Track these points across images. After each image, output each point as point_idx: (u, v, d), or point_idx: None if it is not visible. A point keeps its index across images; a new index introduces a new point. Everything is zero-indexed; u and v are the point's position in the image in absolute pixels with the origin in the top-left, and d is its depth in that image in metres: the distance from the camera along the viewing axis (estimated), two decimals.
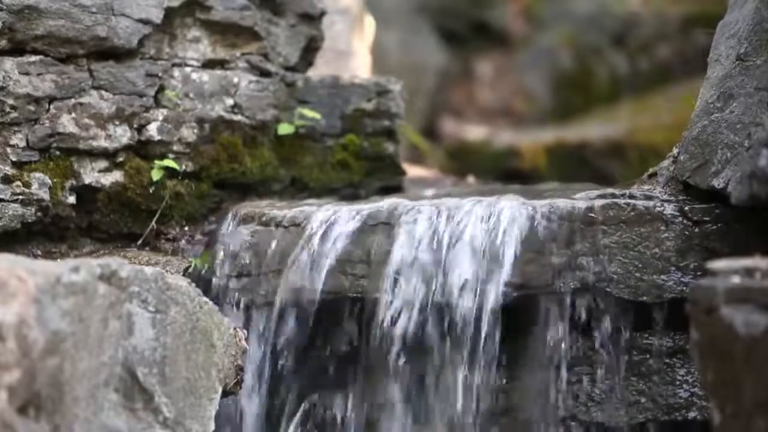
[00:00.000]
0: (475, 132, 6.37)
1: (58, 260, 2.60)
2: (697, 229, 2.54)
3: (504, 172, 5.25)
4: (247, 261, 2.70)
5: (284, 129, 3.05)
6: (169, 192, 2.88)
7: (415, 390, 2.58)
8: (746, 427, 1.80)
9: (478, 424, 2.54)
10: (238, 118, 2.98)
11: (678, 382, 2.53)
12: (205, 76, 2.96)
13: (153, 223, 2.87)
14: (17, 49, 2.72)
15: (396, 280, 2.55)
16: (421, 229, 2.57)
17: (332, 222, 2.64)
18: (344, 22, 4.13)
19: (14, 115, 2.70)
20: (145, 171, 2.85)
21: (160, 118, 2.88)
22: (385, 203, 2.67)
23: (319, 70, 3.26)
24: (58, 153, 2.76)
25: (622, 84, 6.60)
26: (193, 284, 2.29)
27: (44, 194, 2.71)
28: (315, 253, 2.61)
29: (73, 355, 1.94)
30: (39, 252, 2.77)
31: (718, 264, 1.91)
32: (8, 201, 2.67)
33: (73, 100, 2.77)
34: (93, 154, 2.80)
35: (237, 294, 2.69)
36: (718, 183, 2.51)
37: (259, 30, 3.01)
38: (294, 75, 3.10)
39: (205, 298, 2.28)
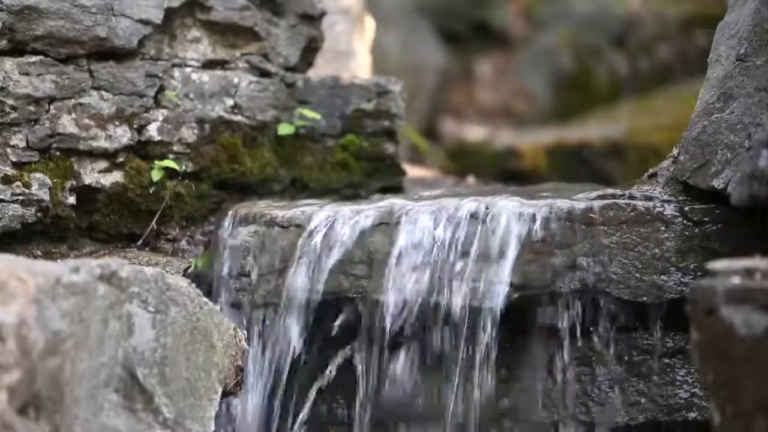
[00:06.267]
0: (475, 132, 6.37)
1: (58, 261, 2.60)
2: (697, 230, 2.54)
3: (504, 172, 5.25)
4: (247, 261, 2.70)
5: (284, 129, 3.05)
6: (169, 192, 2.88)
7: (415, 390, 2.58)
8: (746, 428, 1.80)
9: (479, 424, 2.54)
10: (238, 118, 2.98)
11: (678, 383, 2.53)
12: (205, 76, 2.96)
13: (153, 223, 2.87)
14: (17, 50, 2.72)
15: (396, 281, 2.55)
16: (422, 229, 2.57)
17: (332, 222, 2.64)
18: (344, 22, 4.13)
19: (14, 115, 2.70)
20: (145, 171, 2.86)
21: (160, 118, 2.88)
22: (386, 203, 2.67)
23: (319, 71, 3.26)
24: (58, 153, 2.76)
25: (622, 84, 6.61)
26: (193, 285, 2.29)
27: (44, 195, 2.71)
28: (315, 253, 2.61)
29: (73, 355, 1.94)
30: (39, 252, 2.77)
31: (718, 264, 1.91)
32: (8, 201, 2.67)
33: (73, 101, 2.77)
34: (93, 155, 2.80)
35: (237, 294, 2.69)
36: (718, 183, 2.51)
37: (259, 30, 3.01)
38: (294, 75, 3.10)
39: (205, 299, 2.28)
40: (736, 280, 1.86)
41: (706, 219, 2.54)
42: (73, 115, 2.77)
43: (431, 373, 2.56)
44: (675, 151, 2.70)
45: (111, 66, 2.82)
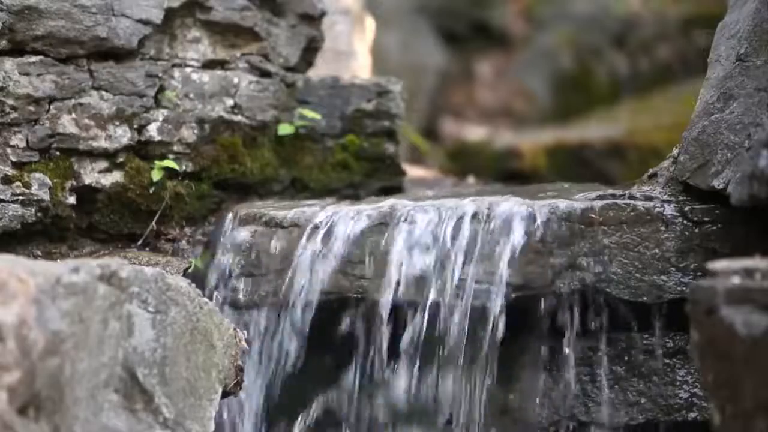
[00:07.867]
0: (475, 132, 6.38)
1: (58, 261, 2.60)
2: (697, 230, 2.54)
3: (504, 172, 5.25)
4: (247, 262, 2.70)
5: (284, 129, 3.05)
6: (170, 192, 2.88)
7: (416, 390, 2.57)
8: (746, 428, 1.80)
9: (479, 424, 2.54)
10: (238, 118, 2.98)
11: (678, 383, 2.53)
12: (205, 76, 2.96)
13: (153, 223, 2.87)
14: (17, 50, 2.72)
15: (396, 281, 2.55)
16: (421, 229, 2.57)
17: (332, 222, 2.64)
18: (345, 22, 4.13)
19: (14, 115, 2.70)
20: (145, 171, 2.85)
21: (161, 118, 2.88)
22: (385, 204, 2.67)
23: (319, 71, 3.26)
24: (58, 153, 2.76)
25: (622, 84, 6.61)
26: (193, 285, 2.29)
27: (44, 195, 2.71)
28: (315, 253, 2.61)
29: (73, 355, 1.94)
30: (39, 252, 2.77)
31: (718, 264, 1.91)
32: (8, 201, 2.67)
33: (73, 101, 2.77)
34: (93, 155, 2.80)
35: (237, 294, 2.69)
36: (718, 183, 2.51)
37: (259, 30, 3.01)
38: (294, 75, 3.10)
39: (205, 299, 2.27)
40: (736, 280, 1.86)
41: (706, 219, 2.54)
42: (73, 115, 2.77)
43: (431, 373, 2.56)
44: (675, 151, 2.70)
45: (111, 66, 2.82)
